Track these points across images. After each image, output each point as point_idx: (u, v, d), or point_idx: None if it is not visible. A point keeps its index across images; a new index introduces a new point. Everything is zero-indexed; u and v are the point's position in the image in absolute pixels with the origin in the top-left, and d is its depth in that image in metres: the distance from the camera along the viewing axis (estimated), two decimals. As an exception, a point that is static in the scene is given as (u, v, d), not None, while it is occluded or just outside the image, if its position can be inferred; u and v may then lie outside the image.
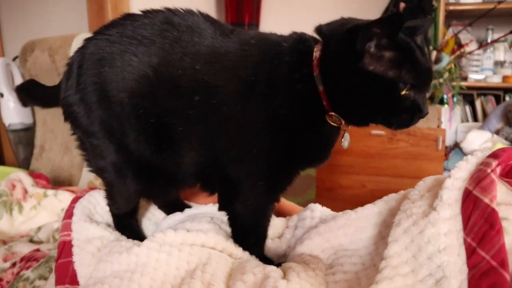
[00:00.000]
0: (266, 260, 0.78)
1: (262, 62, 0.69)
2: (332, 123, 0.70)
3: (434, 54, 2.32)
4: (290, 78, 0.67)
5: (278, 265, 0.74)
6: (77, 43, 1.83)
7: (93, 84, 0.73)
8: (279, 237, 0.87)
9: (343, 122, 0.69)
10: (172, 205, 0.93)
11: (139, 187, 0.81)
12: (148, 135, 0.74)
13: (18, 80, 2.15)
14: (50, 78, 1.97)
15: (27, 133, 2.25)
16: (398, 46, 0.62)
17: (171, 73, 0.70)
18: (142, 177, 0.79)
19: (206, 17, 0.74)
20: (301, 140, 0.70)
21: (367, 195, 1.82)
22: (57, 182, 1.95)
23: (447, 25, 2.62)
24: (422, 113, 0.66)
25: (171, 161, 0.76)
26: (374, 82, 0.62)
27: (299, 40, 0.70)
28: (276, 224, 0.86)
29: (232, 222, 0.79)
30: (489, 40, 2.57)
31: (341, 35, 0.64)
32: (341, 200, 1.84)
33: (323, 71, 0.66)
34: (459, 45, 2.39)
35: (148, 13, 0.73)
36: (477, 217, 0.54)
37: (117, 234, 0.81)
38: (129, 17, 0.74)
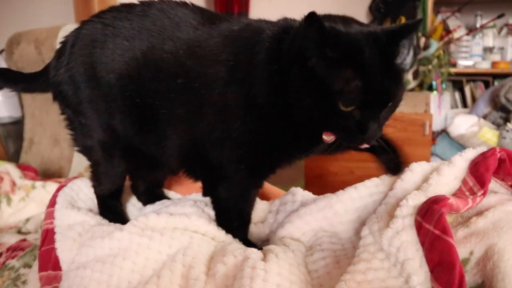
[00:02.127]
0: (249, 244, 0.78)
1: (243, 48, 0.69)
2: None
3: (422, 40, 2.32)
4: (268, 67, 0.66)
5: (261, 249, 0.75)
6: (63, 34, 1.81)
7: (83, 64, 0.75)
8: (262, 221, 0.87)
9: None
10: (152, 197, 0.94)
11: (125, 168, 0.83)
12: (133, 116, 0.75)
13: (5, 73, 2.14)
14: (37, 70, 1.96)
15: (16, 127, 2.24)
16: (349, 60, 0.57)
17: (157, 57, 0.72)
18: (128, 158, 0.81)
19: (196, 7, 0.76)
20: (278, 129, 0.68)
21: (355, 182, 1.83)
22: (47, 175, 1.95)
23: (436, 11, 2.62)
24: (364, 135, 0.59)
25: (155, 143, 0.77)
26: (317, 87, 0.59)
27: (284, 29, 0.68)
28: (259, 208, 0.87)
29: (215, 206, 0.80)
30: (477, 26, 2.57)
31: (298, 28, 0.64)
32: (330, 187, 1.84)
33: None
34: (448, 31, 2.39)
35: (144, 3, 0.76)
36: (426, 202, 0.58)
37: (99, 218, 0.81)
38: (126, 5, 0.77)
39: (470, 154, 0.67)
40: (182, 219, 0.74)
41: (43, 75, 0.84)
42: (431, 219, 0.55)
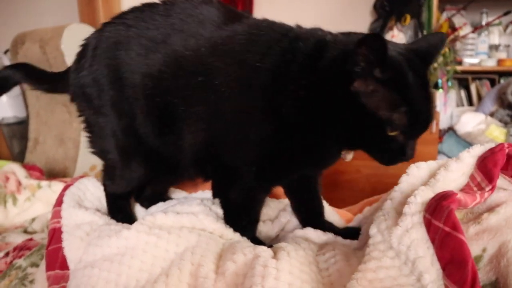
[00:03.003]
0: (257, 242, 0.78)
1: (273, 52, 0.66)
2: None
3: (428, 38, 2.30)
4: (299, 81, 0.64)
5: (269, 246, 0.74)
6: (68, 34, 1.81)
7: (107, 66, 0.75)
8: (271, 220, 0.87)
9: None
10: (156, 201, 0.93)
11: (143, 173, 0.81)
12: (153, 116, 0.74)
13: (10, 73, 2.14)
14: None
15: (21, 127, 2.24)
16: (396, 83, 0.57)
17: (178, 54, 0.71)
18: (147, 162, 0.80)
19: (221, 5, 0.75)
20: (297, 141, 0.67)
21: (362, 180, 1.82)
22: (51, 175, 1.95)
23: (441, 9, 2.61)
24: (405, 157, 0.62)
25: (173, 144, 0.76)
26: (362, 114, 0.59)
27: (317, 44, 0.65)
28: (269, 206, 0.86)
29: (224, 205, 0.79)
30: (483, 24, 2.55)
31: (340, 51, 0.61)
32: (337, 186, 1.84)
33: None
34: (453, 29, 2.37)
35: (166, 2, 0.75)
36: (434, 198, 0.57)
37: (106, 218, 0.81)
38: (148, 5, 0.76)
39: (478, 150, 0.67)
40: (189, 218, 0.74)
41: (64, 76, 0.84)
42: (440, 216, 0.54)
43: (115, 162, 0.81)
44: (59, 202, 0.83)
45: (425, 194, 0.61)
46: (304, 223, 0.83)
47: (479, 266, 0.54)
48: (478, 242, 0.56)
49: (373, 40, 0.54)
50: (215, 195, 0.80)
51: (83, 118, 0.82)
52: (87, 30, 1.89)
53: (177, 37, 0.71)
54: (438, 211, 0.54)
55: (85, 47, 0.79)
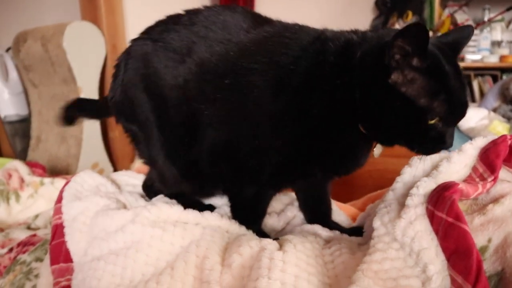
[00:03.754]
0: (262, 234, 0.78)
1: (305, 55, 0.66)
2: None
3: (430, 34, 2.30)
4: (331, 81, 0.63)
5: (275, 239, 0.75)
6: (70, 32, 1.81)
7: (141, 79, 0.77)
8: (277, 213, 0.87)
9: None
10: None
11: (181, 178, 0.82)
12: (180, 126, 0.76)
13: (12, 71, 2.14)
14: (44, 67, 1.96)
15: (23, 125, 2.25)
16: (434, 71, 0.57)
17: (205, 61, 0.72)
18: (181, 169, 0.81)
19: (246, 10, 0.77)
20: (327, 143, 0.67)
21: (364, 176, 1.81)
22: (54, 172, 1.95)
23: (443, 5, 2.60)
24: (445, 145, 0.62)
25: (195, 151, 0.76)
26: (402, 104, 0.58)
27: (347, 43, 0.65)
28: (275, 198, 0.86)
29: (232, 199, 0.79)
30: (485, 20, 2.55)
31: (374, 47, 0.61)
32: (338, 182, 1.83)
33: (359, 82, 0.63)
34: (455, 25, 2.37)
35: (190, 12, 0.77)
36: (436, 189, 0.58)
37: (99, 199, 0.81)
38: (172, 16, 0.78)
39: (480, 142, 0.67)
40: (194, 215, 0.74)
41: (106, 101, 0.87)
42: (443, 206, 0.54)
43: (162, 167, 0.82)
44: (59, 198, 0.84)
45: (428, 186, 0.61)
46: (311, 222, 0.83)
47: (485, 256, 0.54)
48: (484, 232, 0.56)
49: (415, 29, 0.54)
50: (224, 190, 0.80)
51: (128, 134, 0.86)
52: (89, 28, 1.89)
53: (203, 44, 0.72)
54: (441, 201, 0.54)
55: (117, 66, 0.81)
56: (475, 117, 1.79)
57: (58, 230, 0.79)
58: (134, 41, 0.80)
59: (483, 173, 0.63)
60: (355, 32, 0.67)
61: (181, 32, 0.74)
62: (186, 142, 0.76)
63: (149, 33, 0.78)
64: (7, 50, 2.18)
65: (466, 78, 2.61)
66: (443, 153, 0.70)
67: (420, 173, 0.67)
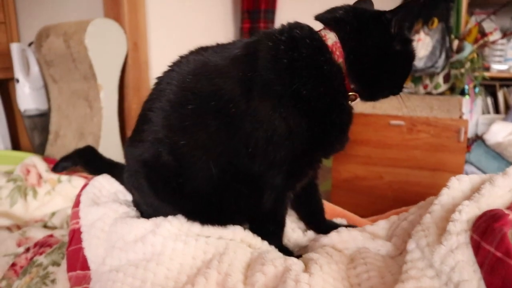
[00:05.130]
0: (285, 251, 0.76)
1: (276, 47, 0.68)
2: (350, 103, 0.73)
3: (455, 43, 2.24)
4: (313, 60, 0.67)
5: (298, 256, 0.72)
6: (92, 29, 1.81)
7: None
8: (303, 229, 0.85)
9: (356, 100, 0.73)
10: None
11: None
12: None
13: (34, 66, 2.15)
14: (65, 63, 1.96)
15: (42, 119, 2.25)
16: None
17: (189, 89, 0.71)
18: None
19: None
20: (325, 121, 0.69)
21: (384, 187, 1.78)
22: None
23: (470, 13, 2.53)
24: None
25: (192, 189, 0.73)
26: (402, 57, 0.70)
27: (310, 31, 0.71)
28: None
29: (251, 215, 0.77)
30: (513, 29, 2.47)
31: (372, 22, 0.68)
32: (357, 192, 1.80)
33: (348, 54, 0.68)
34: (483, 34, 2.30)
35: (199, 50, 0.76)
36: (483, 218, 0.55)
37: (117, 206, 0.79)
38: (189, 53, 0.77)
39: None
40: (216, 228, 0.72)
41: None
42: (491, 239, 0.51)
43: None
44: (76, 203, 0.83)
45: (470, 211, 0.57)
46: (306, 220, 0.86)
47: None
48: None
49: (408, 12, 0.68)
50: (242, 212, 0.76)
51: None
52: (111, 25, 1.88)
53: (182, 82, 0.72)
54: (489, 233, 0.51)
55: None
56: (502, 131, 1.74)
57: (75, 235, 0.78)
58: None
59: None
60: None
61: (179, 70, 0.75)
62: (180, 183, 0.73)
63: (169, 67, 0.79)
64: (30, 44, 2.19)
65: (491, 88, 2.54)
66: (483, 175, 0.67)
67: (459, 194, 0.64)
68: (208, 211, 0.74)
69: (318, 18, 0.73)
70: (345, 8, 0.72)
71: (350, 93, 0.71)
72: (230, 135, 0.68)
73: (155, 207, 0.76)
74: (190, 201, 0.73)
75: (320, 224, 0.84)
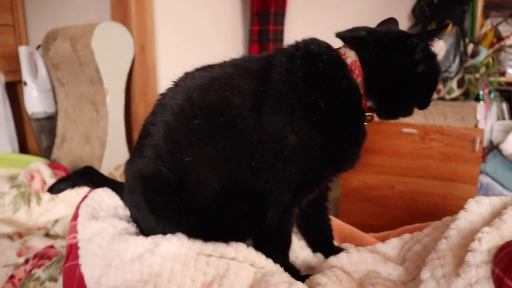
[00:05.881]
0: (291, 269, 0.72)
1: (292, 60, 0.67)
2: (366, 123, 0.71)
3: (470, 47, 2.18)
4: (332, 75, 0.66)
5: (305, 276, 0.69)
6: (98, 32, 1.79)
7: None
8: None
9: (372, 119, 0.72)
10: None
11: None
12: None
13: (42, 69, 2.14)
14: (72, 67, 1.95)
15: (50, 122, 2.25)
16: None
17: (197, 104, 0.69)
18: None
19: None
20: (340, 137, 0.67)
21: (395, 197, 1.73)
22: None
23: (485, 16, 2.47)
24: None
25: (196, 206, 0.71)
26: (426, 75, 0.68)
27: (327, 48, 0.70)
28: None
29: (256, 232, 0.73)
30: (530, 33, 2.40)
31: (396, 45, 0.67)
32: (367, 201, 1.75)
33: (368, 74, 0.67)
34: (499, 38, 2.24)
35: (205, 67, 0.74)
36: (506, 250, 0.51)
37: (117, 222, 0.76)
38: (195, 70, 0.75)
39: None
40: (218, 245, 0.68)
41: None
42: None
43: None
44: (75, 216, 0.80)
45: (491, 239, 0.53)
46: (313, 246, 0.82)
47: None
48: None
49: (431, 36, 0.68)
50: (246, 229, 0.73)
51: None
52: (118, 29, 1.86)
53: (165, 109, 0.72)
54: None
55: None
56: (519, 140, 1.68)
57: (72, 251, 0.75)
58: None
59: None
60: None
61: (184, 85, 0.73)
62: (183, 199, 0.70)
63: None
64: (38, 47, 2.18)
65: (506, 93, 2.47)
66: (504, 197, 0.62)
67: (478, 218, 0.60)
68: (211, 228, 0.71)
69: (339, 35, 0.72)
70: (368, 29, 0.71)
71: (367, 114, 0.70)
72: (235, 150, 0.65)
73: (151, 225, 0.72)
74: (193, 218, 0.70)
75: (329, 251, 0.79)
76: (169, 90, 0.74)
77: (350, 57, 0.67)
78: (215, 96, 0.67)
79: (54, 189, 0.94)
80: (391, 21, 0.77)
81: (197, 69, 0.74)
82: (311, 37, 0.71)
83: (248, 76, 0.68)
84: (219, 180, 0.66)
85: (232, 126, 0.65)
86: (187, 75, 0.73)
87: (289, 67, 0.66)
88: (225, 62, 0.73)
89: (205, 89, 0.69)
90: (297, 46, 0.69)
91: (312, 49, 0.67)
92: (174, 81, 0.74)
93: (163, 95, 0.74)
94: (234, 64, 0.72)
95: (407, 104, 0.71)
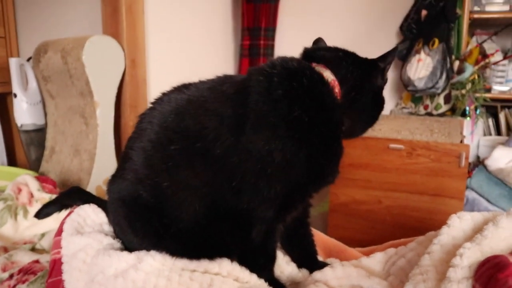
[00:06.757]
0: (276, 284, 0.73)
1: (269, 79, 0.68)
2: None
3: (456, 63, 2.22)
4: (316, 90, 0.68)
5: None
6: (89, 46, 1.80)
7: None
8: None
9: None
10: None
11: None
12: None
13: (32, 81, 2.14)
14: (62, 79, 1.95)
15: (39, 134, 2.24)
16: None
17: (177, 125, 0.69)
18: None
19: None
20: (323, 152, 0.68)
21: (383, 212, 1.74)
22: (65, 186, 1.92)
23: (471, 33, 2.52)
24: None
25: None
26: (380, 94, 0.77)
27: (308, 65, 0.72)
28: None
29: (239, 246, 0.74)
30: (515, 51, 2.46)
31: (372, 68, 0.74)
32: (356, 216, 1.76)
33: (347, 92, 0.71)
34: (484, 55, 2.29)
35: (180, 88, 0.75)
36: (487, 266, 0.52)
37: (102, 237, 0.76)
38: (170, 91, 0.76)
39: None
40: (201, 261, 0.68)
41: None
42: None
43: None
44: (59, 231, 0.80)
45: (472, 255, 0.54)
46: (298, 262, 0.83)
47: None
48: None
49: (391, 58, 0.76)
50: (231, 247, 0.73)
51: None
52: (109, 42, 1.88)
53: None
54: (493, 284, 0.48)
55: None
56: (504, 157, 1.71)
57: (56, 266, 0.75)
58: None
59: None
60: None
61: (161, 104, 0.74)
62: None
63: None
64: (28, 59, 2.18)
65: (492, 109, 2.52)
66: (485, 213, 0.64)
67: (460, 234, 0.61)
68: (194, 249, 0.70)
69: (309, 54, 0.75)
70: (340, 50, 0.75)
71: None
72: (215, 173, 0.65)
73: (133, 244, 0.73)
74: (175, 241, 0.69)
75: (313, 266, 0.80)
76: (147, 112, 0.74)
77: (328, 76, 0.69)
78: (191, 120, 0.67)
79: (41, 214, 0.93)
80: (320, 40, 0.83)
81: (173, 90, 0.74)
82: (284, 56, 0.72)
83: (224, 99, 0.68)
84: (199, 203, 0.66)
85: (210, 151, 0.65)
86: (163, 97, 0.73)
87: (267, 85, 0.66)
88: (201, 82, 0.74)
89: (180, 113, 0.69)
90: (273, 64, 0.70)
91: (292, 65, 0.69)
92: (151, 103, 0.75)
93: (141, 117, 0.74)
94: (209, 86, 0.72)
95: (373, 120, 0.77)
